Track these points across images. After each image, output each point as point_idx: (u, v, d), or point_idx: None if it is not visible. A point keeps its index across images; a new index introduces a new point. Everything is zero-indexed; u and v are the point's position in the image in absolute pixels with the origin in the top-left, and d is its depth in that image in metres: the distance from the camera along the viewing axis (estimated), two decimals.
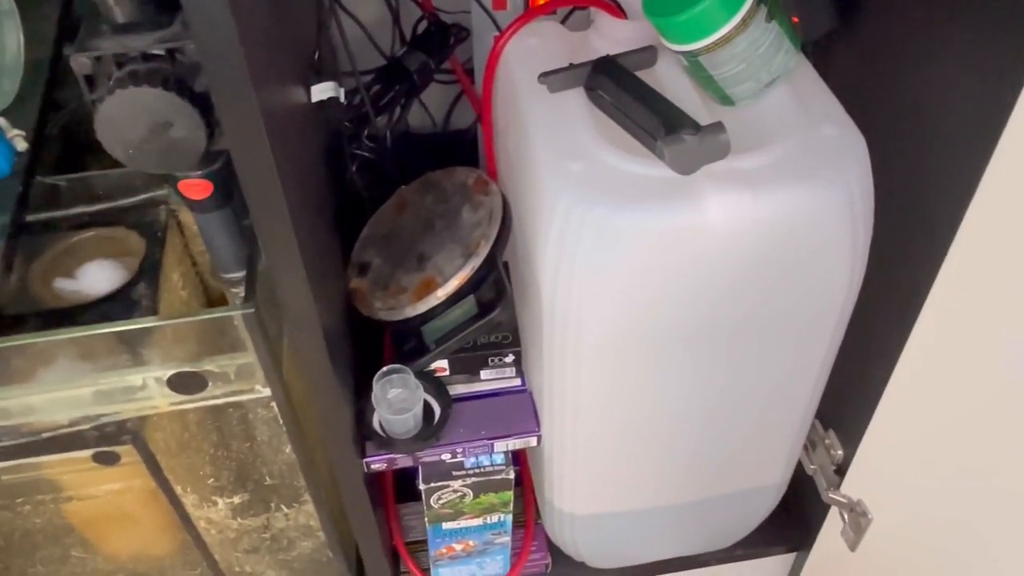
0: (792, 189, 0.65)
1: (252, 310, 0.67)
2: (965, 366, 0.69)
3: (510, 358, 0.87)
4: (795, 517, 1.03)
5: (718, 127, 0.63)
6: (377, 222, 0.93)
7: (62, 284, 0.81)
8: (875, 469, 0.85)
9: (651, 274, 0.66)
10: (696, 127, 0.63)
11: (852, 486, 0.88)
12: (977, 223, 0.64)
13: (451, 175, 0.91)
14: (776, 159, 0.66)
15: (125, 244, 0.85)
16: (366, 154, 0.91)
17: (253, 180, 0.59)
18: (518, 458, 1.05)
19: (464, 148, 1.17)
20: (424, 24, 0.97)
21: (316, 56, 0.82)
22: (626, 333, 0.70)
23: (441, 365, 0.87)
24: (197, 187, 0.71)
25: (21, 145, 0.81)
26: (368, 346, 0.92)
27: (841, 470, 0.90)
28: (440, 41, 0.94)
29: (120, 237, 0.85)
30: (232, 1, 0.50)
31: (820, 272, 0.70)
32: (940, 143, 0.69)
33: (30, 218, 0.82)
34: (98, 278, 0.81)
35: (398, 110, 0.94)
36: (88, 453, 0.75)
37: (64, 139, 0.89)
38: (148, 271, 0.81)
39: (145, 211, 0.86)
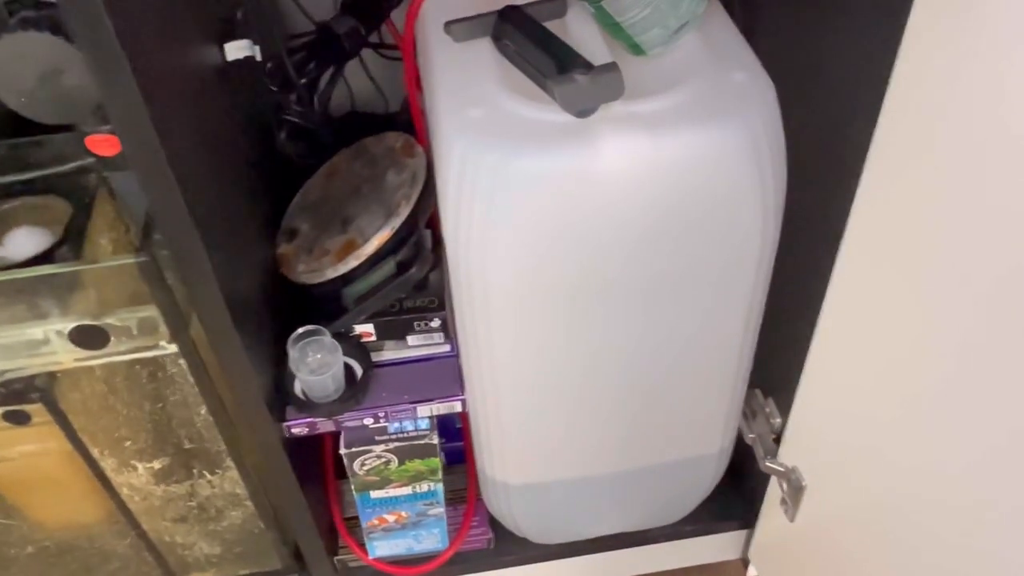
0: (691, 131, 0.63)
1: (146, 259, 0.67)
2: (885, 317, 0.67)
3: (436, 322, 0.86)
4: (744, 491, 1.01)
5: (611, 67, 0.62)
6: (309, 189, 0.93)
7: None
8: (807, 435, 0.83)
9: (550, 221, 0.65)
10: (588, 67, 0.62)
11: (787, 454, 0.86)
12: (879, 169, 0.62)
13: (381, 140, 0.90)
14: (678, 103, 0.65)
15: (54, 212, 0.84)
16: (295, 120, 0.90)
17: (128, 136, 0.59)
18: (463, 433, 1.04)
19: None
20: None
21: (240, 15, 0.81)
22: (531, 285, 0.69)
23: (367, 330, 0.86)
24: (105, 143, 0.70)
25: None
26: (301, 314, 0.91)
27: (779, 438, 0.88)
28: (371, 6, 0.94)
29: (49, 205, 0.85)
30: None
31: (729, 220, 0.68)
32: (843, 92, 0.67)
33: None
34: (24, 244, 0.81)
35: (327, 76, 0.93)
36: None
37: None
38: (72, 236, 0.81)
39: (76, 179, 0.86)
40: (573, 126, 0.64)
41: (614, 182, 0.64)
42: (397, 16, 1.01)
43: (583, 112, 0.63)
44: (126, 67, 0.55)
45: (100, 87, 0.57)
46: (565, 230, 0.66)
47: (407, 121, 1.08)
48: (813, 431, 0.82)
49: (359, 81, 1.11)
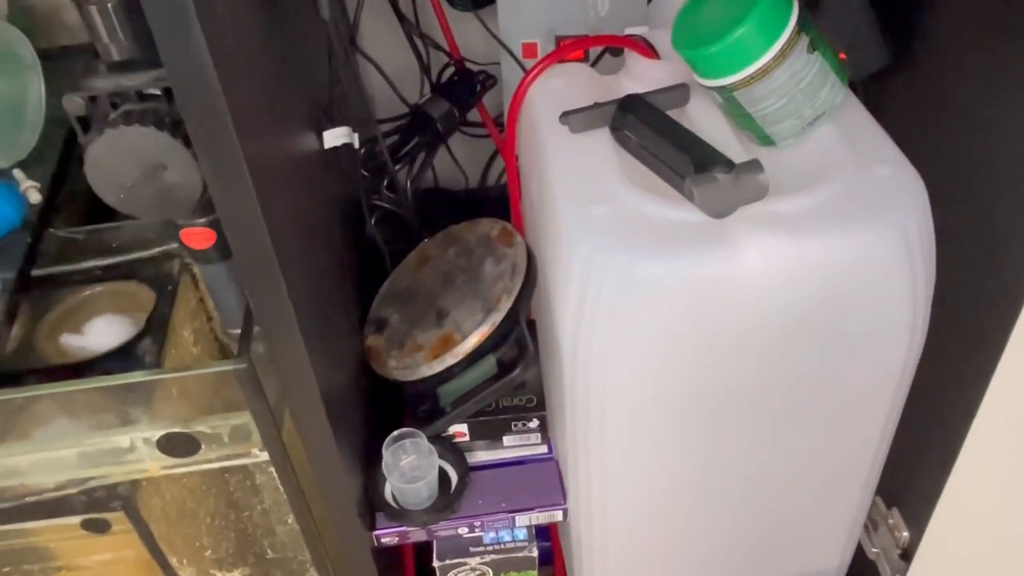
0: (840, 233, 0.58)
1: (244, 366, 0.62)
2: None
3: (535, 423, 0.80)
4: None
5: (754, 165, 0.57)
6: (397, 277, 0.88)
7: (69, 340, 0.77)
8: (946, 554, 0.75)
9: (681, 328, 0.60)
10: (729, 165, 0.57)
11: (921, 573, 0.78)
12: None
13: (475, 227, 0.86)
14: (822, 201, 0.60)
15: (136, 299, 0.81)
16: (386, 205, 0.86)
17: (237, 231, 0.55)
18: (550, 534, 0.98)
19: (499, 206, 1.12)
20: (451, 71, 0.93)
21: (336, 100, 0.78)
22: (656, 395, 0.63)
23: (460, 430, 0.81)
24: (199, 236, 0.67)
25: (35, 197, 0.80)
26: (388, 409, 0.86)
27: (907, 554, 0.81)
28: (466, 88, 0.90)
29: (131, 292, 0.82)
30: (214, 42, 0.46)
31: (876, 328, 0.62)
32: (1010, 185, 0.61)
33: (43, 272, 0.79)
34: (105, 334, 0.78)
35: (420, 160, 0.90)
36: (77, 520, 0.70)
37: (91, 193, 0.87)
38: (155, 326, 0.77)
39: (159, 264, 0.83)
40: (707, 227, 0.59)
41: (753, 287, 0.58)
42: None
43: (722, 213, 0.58)
44: (241, 161, 0.52)
45: (212, 181, 0.53)
46: (696, 338, 0.60)
47: (490, 198, 1.05)
48: (955, 551, 0.74)
49: (438, 157, 1.09)
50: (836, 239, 0.58)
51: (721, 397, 0.64)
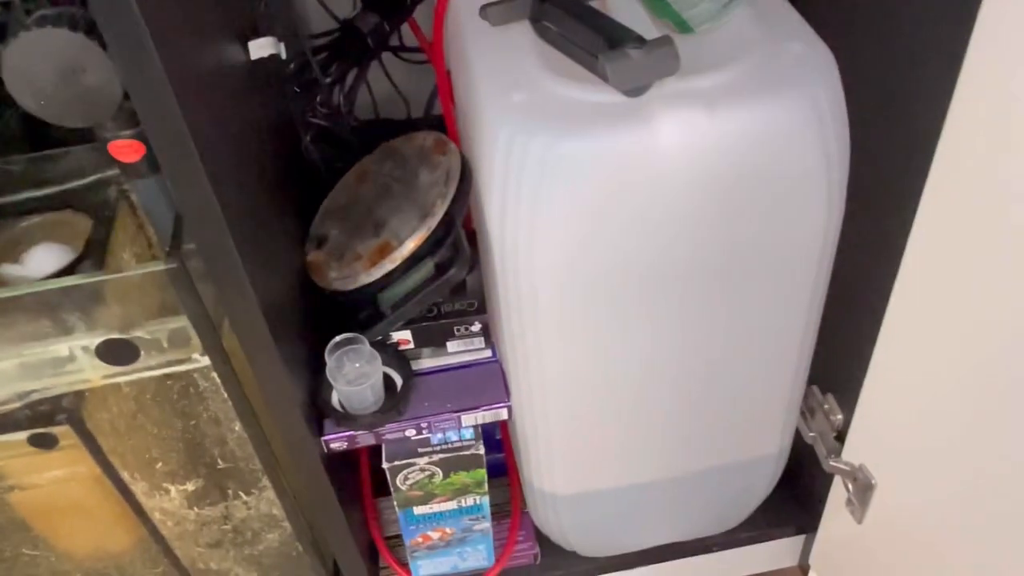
0: (752, 105, 0.60)
1: (175, 265, 0.63)
2: (958, 309, 0.62)
3: (477, 327, 0.82)
4: (801, 494, 0.97)
5: (665, 40, 0.58)
6: (337, 194, 0.89)
7: (8, 270, 0.77)
8: (875, 431, 0.78)
9: (603, 207, 0.61)
10: (641, 41, 0.58)
11: (853, 451, 0.81)
12: (954, 145, 0.58)
13: (410, 140, 0.87)
14: (735, 77, 0.61)
15: (74, 228, 0.81)
16: (321, 122, 0.86)
17: (159, 132, 0.55)
18: (503, 444, 1.00)
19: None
20: None
21: (262, 10, 0.78)
22: (582, 277, 0.65)
23: (404, 337, 0.82)
24: (128, 148, 0.67)
25: None
26: (333, 326, 0.87)
27: (841, 436, 0.84)
28: (395, 2, 0.90)
29: (69, 221, 0.82)
30: None
31: (792, 199, 0.64)
32: (911, 61, 0.63)
33: None
34: (44, 262, 0.78)
35: (352, 76, 0.90)
36: (23, 436, 0.70)
37: (29, 126, 0.86)
38: (94, 251, 0.77)
39: (96, 192, 0.83)
40: (624, 105, 0.60)
41: (670, 162, 0.60)
42: (420, 16, 0.99)
43: (636, 90, 0.59)
44: (155, 59, 0.52)
45: (128, 80, 0.54)
46: (619, 215, 0.62)
47: (432, 126, 1.05)
48: (881, 427, 0.77)
49: (381, 87, 1.08)
50: (749, 111, 0.60)
51: (648, 276, 0.66)
